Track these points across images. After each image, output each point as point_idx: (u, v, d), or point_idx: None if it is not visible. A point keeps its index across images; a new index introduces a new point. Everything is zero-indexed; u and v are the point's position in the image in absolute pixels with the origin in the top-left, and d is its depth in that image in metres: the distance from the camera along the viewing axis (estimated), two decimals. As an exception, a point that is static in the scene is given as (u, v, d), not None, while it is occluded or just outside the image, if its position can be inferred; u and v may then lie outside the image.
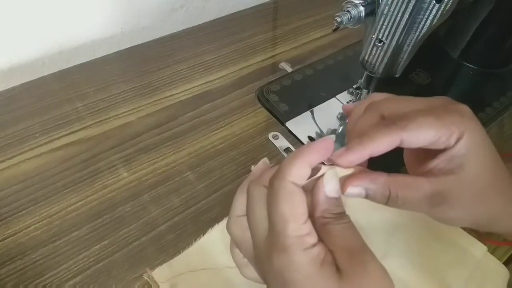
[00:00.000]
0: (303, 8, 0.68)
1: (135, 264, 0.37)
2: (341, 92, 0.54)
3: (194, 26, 0.62)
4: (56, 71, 0.53)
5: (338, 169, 0.25)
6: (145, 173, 0.44)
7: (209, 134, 0.48)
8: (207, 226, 0.40)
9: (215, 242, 0.38)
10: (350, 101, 0.53)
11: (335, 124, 0.51)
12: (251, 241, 0.25)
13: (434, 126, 0.24)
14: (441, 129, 0.24)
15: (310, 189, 0.25)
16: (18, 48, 0.54)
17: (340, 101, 0.53)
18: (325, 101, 0.53)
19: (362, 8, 0.39)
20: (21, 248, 0.38)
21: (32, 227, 0.39)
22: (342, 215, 0.24)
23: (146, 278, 0.36)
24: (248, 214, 0.25)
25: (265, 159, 0.29)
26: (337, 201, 0.25)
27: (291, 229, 0.22)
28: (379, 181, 0.25)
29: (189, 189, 0.43)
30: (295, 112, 0.51)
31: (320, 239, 0.23)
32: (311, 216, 0.24)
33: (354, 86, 0.50)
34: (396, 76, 0.44)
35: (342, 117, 0.52)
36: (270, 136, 0.49)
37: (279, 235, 0.23)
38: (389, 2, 0.37)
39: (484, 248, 0.38)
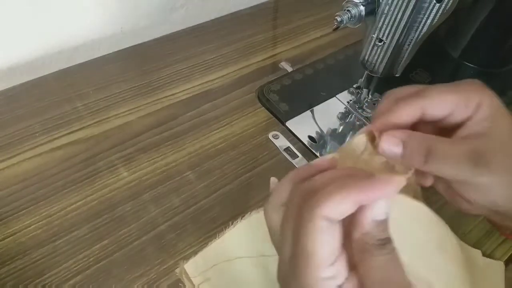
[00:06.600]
0: (303, 7, 0.67)
1: (135, 264, 0.37)
2: (342, 91, 0.54)
3: (194, 25, 0.62)
4: (56, 70, 0.53)
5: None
6: (145, 172, 0.44)
7: (209, 133, 0.48)
8: (207, 226, 0.40)
9: (252, 228, 0.37)
10: (351, 100, 0.53)
11: (335, 123, 0.51)
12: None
13: (452, 92, 0.25)
14: (460, 95, 0.25)
15: None
16: (18, 47, 0.54)
17: (340, 100, 0.53)
18: (325, 100, 0.53)
19: (362, 8, 0.39)
20: (21, 247, 0.38)
21: (32, 226, 0.39)
22: (385, 243, 0.21)
23: (177, 274, 0.36)
24: (282, 222, 0.23)
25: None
26: (382, 223, 0.21)
27: (312, 269, 0.20)
28: (417, 135, 0.24)
29: (189, 189, 0.43)
30: (295, 111, 0.51)
31: (353, 267, 0.21)
32: (349, 235, 0.21)
33: (355, 86, 0.51)
34: (397, 75, 0.44)
35: (342, 117, 0.52)
36: (270, 135, 0.49)
37: (301, 269, 0.21)
38: (390, 2, 0.37)
39: (479, 251, 0.39)
